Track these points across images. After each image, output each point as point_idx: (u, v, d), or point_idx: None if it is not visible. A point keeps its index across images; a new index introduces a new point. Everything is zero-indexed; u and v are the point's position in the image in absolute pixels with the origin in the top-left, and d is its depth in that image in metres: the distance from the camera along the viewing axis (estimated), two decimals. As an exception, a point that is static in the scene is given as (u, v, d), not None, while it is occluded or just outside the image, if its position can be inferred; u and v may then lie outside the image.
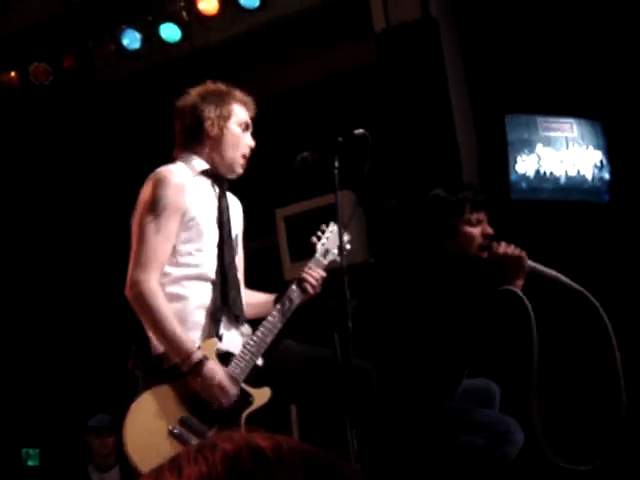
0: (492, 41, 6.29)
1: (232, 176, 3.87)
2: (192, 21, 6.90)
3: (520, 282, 4.16)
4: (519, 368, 4.52)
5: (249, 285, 3.95)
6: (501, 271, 4.18)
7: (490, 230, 4.26)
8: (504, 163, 5.87)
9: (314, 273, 3.79)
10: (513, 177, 5.89)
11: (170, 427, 3.49)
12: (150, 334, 3.59)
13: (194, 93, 3.86)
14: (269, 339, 3.67)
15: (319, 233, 3.88)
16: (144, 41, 7.05)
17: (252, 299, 3.91)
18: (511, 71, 6.17)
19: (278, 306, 3.74)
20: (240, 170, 3.86)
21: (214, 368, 3.52)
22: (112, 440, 6.63)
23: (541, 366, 4.19)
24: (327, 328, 4.07)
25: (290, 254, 6.66)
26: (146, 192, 3.67)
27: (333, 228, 3.89)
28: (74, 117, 7.70)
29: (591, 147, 6.05)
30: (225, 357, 3.63)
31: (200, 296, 3.66)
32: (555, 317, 4.47)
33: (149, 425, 3.48)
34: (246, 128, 3.87)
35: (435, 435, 4.04)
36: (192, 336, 3.56)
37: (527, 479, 4.76)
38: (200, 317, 3.64)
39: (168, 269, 3.63)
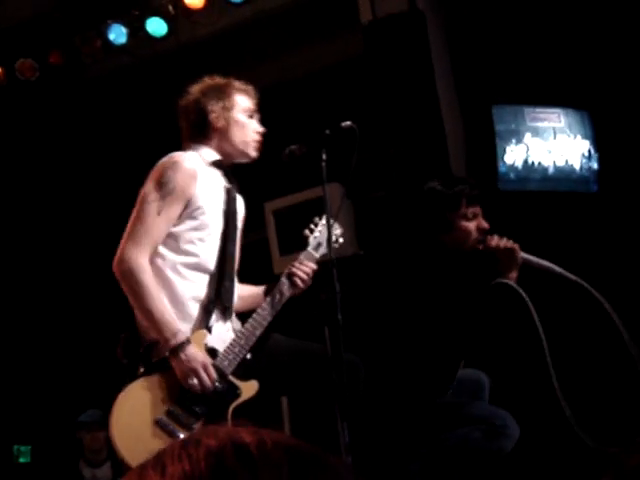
0: (479, 32, 6.29)
1: (247, 160, 3.90)
2: (178, 15, 6.88)
3: (514, 274, 4.16)
4: (523, 360, 4.52)
5: (239, 279, 3.95)
6: (494, 264, 4.18)
7: (485, 224, 4.25)
8: (492, 154, 5.87)
9: (304, 267, 3.78)
10: (501, 168, 5.89)
11: (157, 418, 3.49)
12: (137, 314, 3.58)
13: (195, 90, 3.87)
14: (258, 332, 3.67)
15: (312, 226, 3.87)
16: (130, 36, 7.03)
17: (242, 292, 3.91)
18: (498, 62, 6.18)
19: (268, 299, 3.73)
20: (254, 153, 3.88)
21: (195, 353, 3.50)
22: (103, 435, 6.60)
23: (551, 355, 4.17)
24: (317, 321, 4.07)
25: (279, 247, 6.66)
26: (156, 172, 3.67)
27: (325, 221, 3.90)
28: (61, 113, 7.67)
29: (579, 137, 6.06)
30: (213, 352, 3.62)
31: (195, 286, 3.66)
32: (551, 307, 4.45)
33: (136, 416, 3.48)
34: (251, 115, 3.90)
35: (431, 428, 4.04)
36: (183, 327, 3.56)
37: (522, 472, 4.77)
38: (193, 309, 3.64)
39: (168, 253, 3.64)
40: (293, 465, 0.92)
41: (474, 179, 4.59)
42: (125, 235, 3.60)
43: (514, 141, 5.93)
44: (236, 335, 3.65)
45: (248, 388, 3.64)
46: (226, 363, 3.60)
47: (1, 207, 7.78)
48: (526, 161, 5.95)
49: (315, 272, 3.80)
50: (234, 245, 3.80)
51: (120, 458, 3.39)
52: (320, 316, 3.98)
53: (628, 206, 5.87)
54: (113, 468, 6.50)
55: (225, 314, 3.72)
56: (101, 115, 7.64)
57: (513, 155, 5.92)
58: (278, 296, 3.74)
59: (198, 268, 3.67)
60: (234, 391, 3.61)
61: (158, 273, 3.60)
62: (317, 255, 3.84)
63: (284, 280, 3.77)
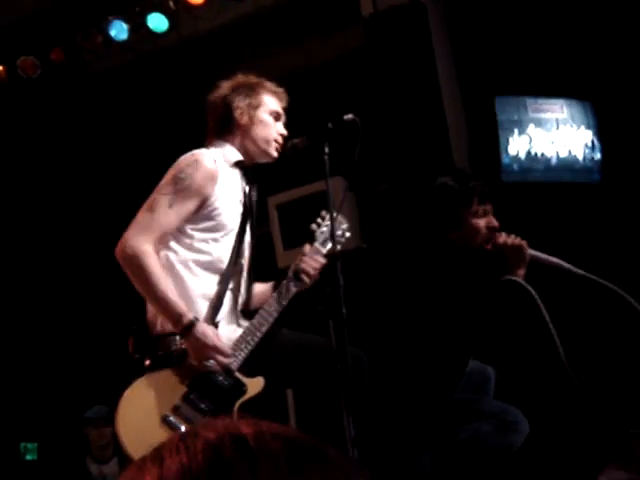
0: (480, 23, 6.28)
1: (267, 159, 3.89)
2: (179, 10, 6.88)
3: (522, 271, 4.13)
4: (532, 356, 4.51)
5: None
6: (502, 261, 4.16)
7: (495, 223, 4.22)
8: (495, 145, 5.86)
9: (312, 262, 3.77)
10: (505, 159, 5.88)
11: (163, 415, 3.48)
12: (146, 300, 3.58)
13: (225, 86, 3.88)
14: (264, 328, 3.66)
15: (319, 220, 3.85)
16: (131, 32, 7.02)
17: (259, 289, 3.91)
18: (499, 53, 6.16)
19: (274, 295, 3.72)
20: (275, 153, 3.87)
21: (205, 328, 3.49)
22: (109, 431, 6.61)
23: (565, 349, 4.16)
24: (321, 315, 4.06)
25: (283, 242, 6.66)
26: (176, 167, 3.66)
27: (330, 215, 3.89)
28: (63, 110, 7.67)
29: (582, 127, 6.05)
30: None
31: (205, 284, 3.66)
32: (560, 303, 4.43)
33: (142, 413, 3.47)
34: (277, 118, 3.89)
35: (441, 423, 4.04)
36: None
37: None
38: (202, 306, 3.64)
39: (180, 249, 3.64)
40: (291, 456, 0.92)
41: (474, 170, 4.57)
42: (132, 222, 3.59)
43: (517, 132, 5.92)
44: (243, 332, 3.65)
45: (254, 385, 3.63)
46: (232, 359, 3.60)
47: (4, 204, 7.78)
48: (529, 152, 5.94)
49: (323, 267, 3.79)
50: (249, 246, 3.80)
51: (126, 454, 3.39)
52: (324, 309, 3.97)
53: (631, 196, 5.86)
54: (120, 464, 6.50)
55: (233, 314, 3.72)
56: (103, 111, 7.64)
57: (516, 146, 5.91)
58: (285, 292, 3.73)
59: (210, 267, 3.67)
60: (240, 388, 3.60)
61: (169, 267, 3.61)
62: (324, 250, 3.82)
63: (291, 276, 3.76)
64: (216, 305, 3.65)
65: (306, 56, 7.11)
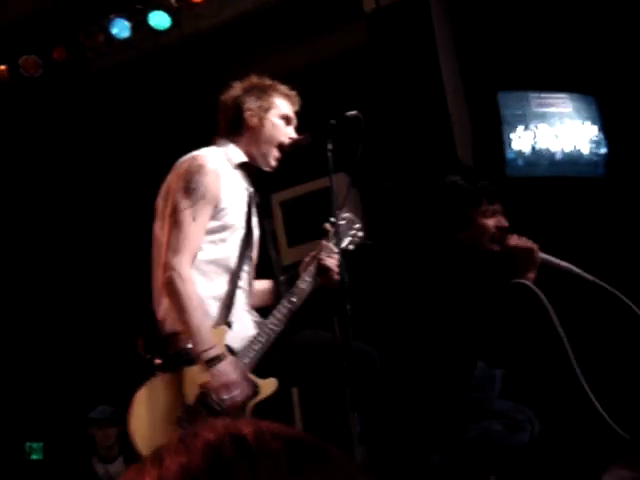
0: (483, 18, 6.26)
1: (266, 168, 3.87)
2: (181, 8, 6.88)
3: (532, 275, 4.10)
4: (541, 360, 4.48)
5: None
6: (512, 264, 4.14)
7: (505, 223, 4.20)
8: (499, 140, 5.84)
9: (332, 260, 3.74)
10: (509, 154, 5.87)
11: (176, 415, 3.48)
12: (177, 320, 3.56)
13: (237, 86, 3.88)
14: (279, 329, 3.66)
15: (332, 219, 3.83)
16: (133, 29, 7.02)
17: (259, 287, 3.90)
18: (503, 48, 6.15)
19: (288, 296, 3.71)
20: (273, 163, 3.85)
21: (227, 368, 3.49)
22: (114, 431, 6.64)
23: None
24: (326, 311, 4.05)
25: (287, 239, 6.65)
26: (183, 178, 3.64)
27: (346, 215, 3.88)
28: (66, 109, 7.67)
29: (587, 122, 6.04)
30: (231, 350, 3.61)
31: (214, 285, 3.66)
32: (569, 308, 4.40)
33: (155, 413, 3.47)
34: (288, 121, 3.87)
35: (452, 422, 4.02)
36: None
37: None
38: (213, 307, 3.64)
39: None
40: (292, 456, 0.91)
41: (478, 165, 4.54)
42: (166, 245, 3.59)
43: (521, 127, 5.90)
44: (257, 332, 3.64)
45: (267, 386, 3.62)
46: (246, 361, 3.58)
47: (7, 203, 7.78)
48: (534, 147, 5.92)
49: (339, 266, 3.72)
50: (255, 245, 3.80)
51: (138, 454, 3.38)
52: (329, 306, 3.96)
53: (637, 190, 5.84)
54: (126, 463, 6.50)
55: (244, 312, 3.72)
56: (106, 110, 7.64)
57: (520, 141, 5.89)
58: (298, 293, 3.72)
59: (218, 267, 3.67)
60: (253, 389, 3.59)
61: None
62: (336, 249, 3.80)
63: (307, 278, 3.74)
64: (228, 305, 3.65)
65: (308, 53, 7.10)
